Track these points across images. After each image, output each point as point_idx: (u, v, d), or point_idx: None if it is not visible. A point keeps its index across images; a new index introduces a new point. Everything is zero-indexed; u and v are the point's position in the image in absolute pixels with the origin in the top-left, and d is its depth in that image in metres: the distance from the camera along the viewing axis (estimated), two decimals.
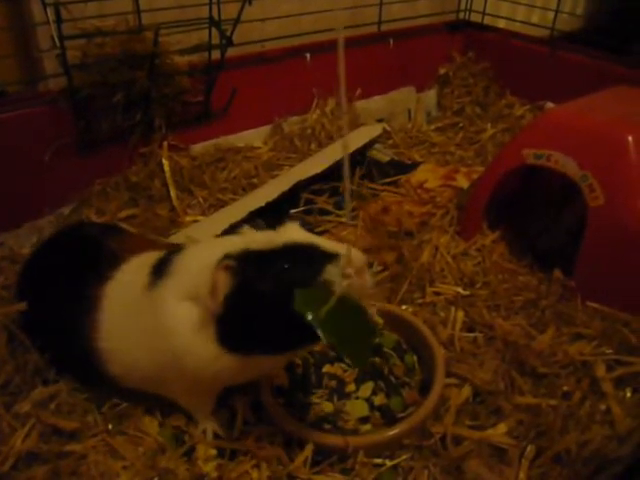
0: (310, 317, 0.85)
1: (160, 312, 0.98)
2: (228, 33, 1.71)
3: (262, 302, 0.91)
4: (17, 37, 1.73)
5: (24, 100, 1.62)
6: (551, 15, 2.29)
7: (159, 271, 1.02)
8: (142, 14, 1.72)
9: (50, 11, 1.45)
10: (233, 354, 0.95)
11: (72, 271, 1.16)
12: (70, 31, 1.52)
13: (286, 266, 0.91)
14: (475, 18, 2.53)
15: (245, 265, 0.91)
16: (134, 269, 1.10)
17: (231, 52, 1.80)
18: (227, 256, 0.92)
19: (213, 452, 1.10)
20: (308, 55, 2.12)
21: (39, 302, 1.17)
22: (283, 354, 1.00)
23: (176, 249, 1.07)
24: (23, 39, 1.73)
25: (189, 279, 0.96)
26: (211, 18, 1.69)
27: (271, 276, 0.91)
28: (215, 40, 1.73)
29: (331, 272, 0.90)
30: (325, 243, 0.94)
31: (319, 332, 0.84)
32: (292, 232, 0.96)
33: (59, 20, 1.41)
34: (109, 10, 1.67)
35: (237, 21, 1.70)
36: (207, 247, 1.01)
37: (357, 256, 0.91)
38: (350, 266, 0.89)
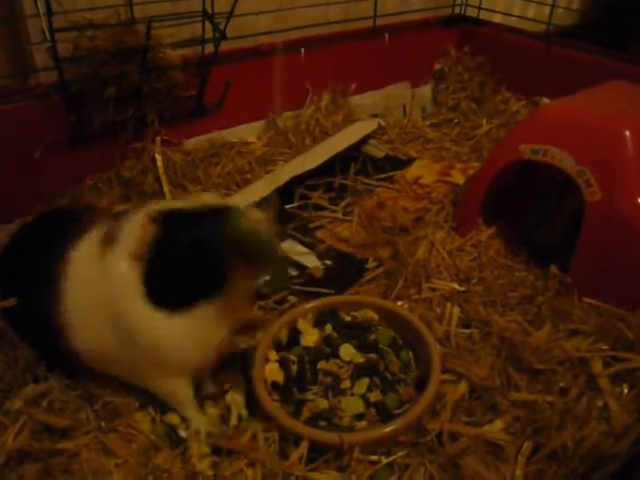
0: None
1: (108, 275, 1.02)
2: (221, 27, 1.69)
3: (179, 250, 1.00)
4: (7, 29, 1.70)
5: (14, 94, 1.60)
6: (547, 10, 2.28)
7: (109, 237, 1.06)
8: (134, 7, 1.70)
9: (41, 3, 1.43)
10: (161, 311, 1.00)
11: (45, 251, 1.15)
12: (61, 24, 1.50)
13: (202, 219, 1.01)
14: (471, 13, 2.51)
15: (168, 217, 1.02)
16: (94, 239, 1.10)
17: (224, 46, 1.79)
18: (153, 210, 1.02)
19: (207, 450, 1.09)
20: (303, 50, 2.11)
21: (17, 289, 1.16)
22: (204, 306, 1.02)
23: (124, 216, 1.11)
24: (13, 31, 1.70)
25: (128, 238, 1.02)
26: (204, 11, 1.67)
27: (189, 226, 1.01)
28: (208, 34, 1.72)
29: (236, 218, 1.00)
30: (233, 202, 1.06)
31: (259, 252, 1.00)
32: (209, 197, 1.07)
33: (50, 12, 1.40)
34: (101, 3, 1.65)
35: (230, 15, 1.68)
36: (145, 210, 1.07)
37: (255, 210, 1.03)
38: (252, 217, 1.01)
